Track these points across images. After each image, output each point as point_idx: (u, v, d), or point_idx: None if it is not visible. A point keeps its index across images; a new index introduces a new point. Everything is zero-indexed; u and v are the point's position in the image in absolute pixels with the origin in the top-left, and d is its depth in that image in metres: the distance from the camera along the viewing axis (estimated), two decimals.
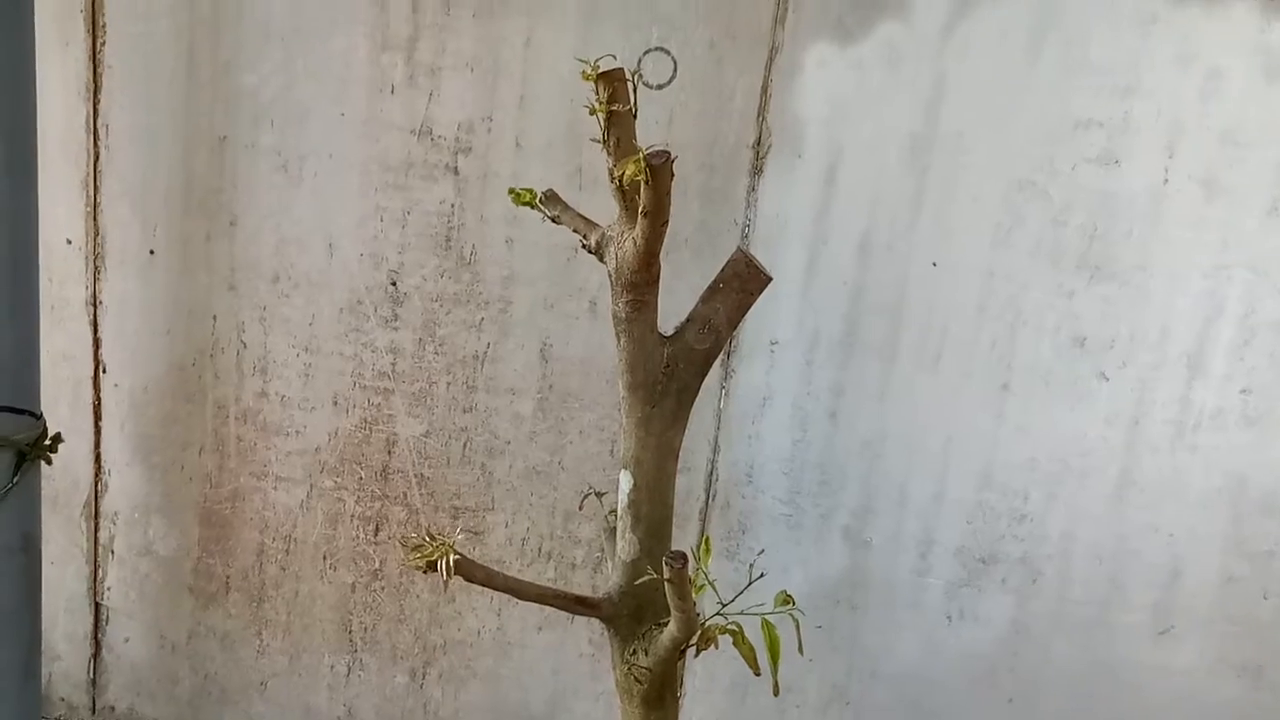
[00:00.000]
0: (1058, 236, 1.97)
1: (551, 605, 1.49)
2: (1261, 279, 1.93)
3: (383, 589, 2.34)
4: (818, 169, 2.04)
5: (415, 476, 2.28)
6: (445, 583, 1.32)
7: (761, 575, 1.40)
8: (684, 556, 1.20)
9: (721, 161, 2.06)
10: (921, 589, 2.15)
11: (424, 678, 2.38)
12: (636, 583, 1.46)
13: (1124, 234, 1.95)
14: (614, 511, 1.77)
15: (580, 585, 2.27)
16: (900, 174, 2.01)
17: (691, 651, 1.44)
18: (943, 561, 2.13)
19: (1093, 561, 2.07)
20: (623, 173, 1.20)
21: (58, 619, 2.53)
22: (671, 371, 1.47)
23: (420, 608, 2.35)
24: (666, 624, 1.50)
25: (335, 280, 2.24)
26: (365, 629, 2.38)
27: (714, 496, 2.20)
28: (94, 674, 2.55)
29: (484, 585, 1.39)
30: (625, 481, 1.51)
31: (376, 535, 2.33)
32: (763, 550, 2.01)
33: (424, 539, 1.33)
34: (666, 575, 1.20)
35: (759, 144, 2.04)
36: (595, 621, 2.29)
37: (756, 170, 2.05)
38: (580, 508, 1.82)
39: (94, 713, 2.56)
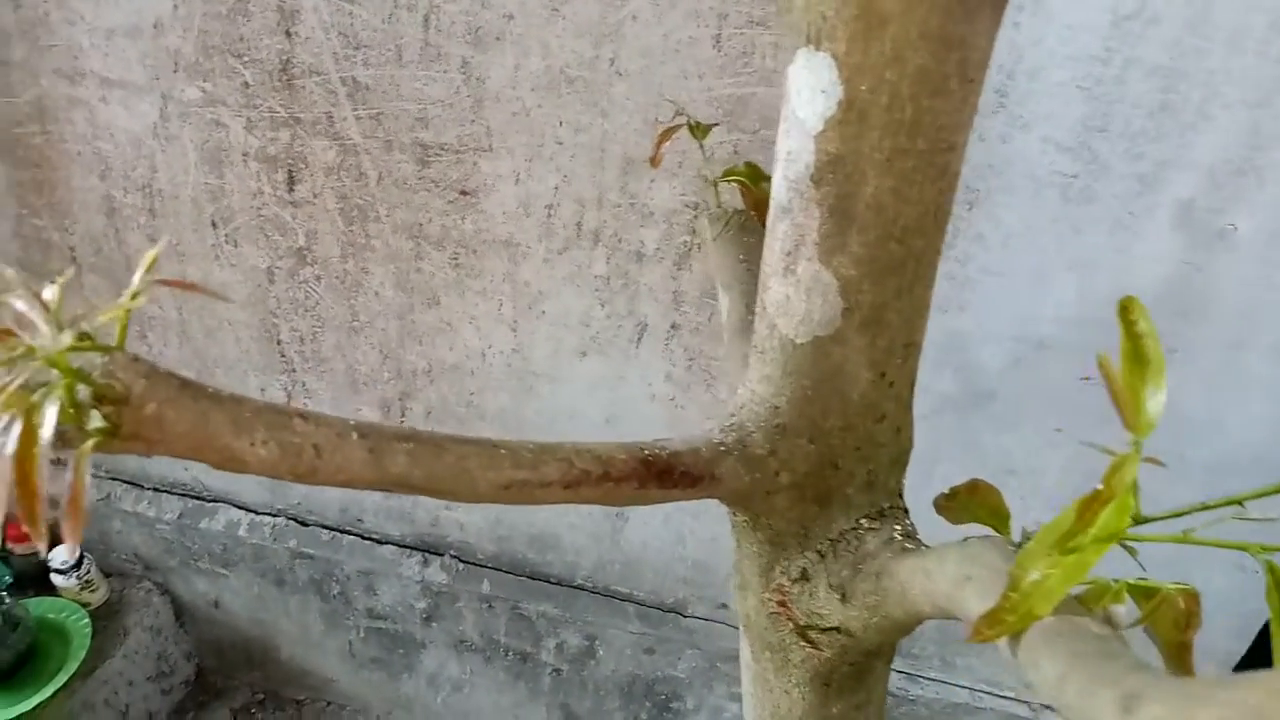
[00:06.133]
0: None
1: (567, 496, 0.48)
2: None
3: (317, 279, 1.39)
4: None
5: (342, 82, 1.21)
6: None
7: None
8: None
9: None
10: None
11: (403, 415, 1.50)
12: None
13: None
14: (743, 171, 0.72)
15: (653, 290, 1.28)
16: None
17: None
18: None
19: None
20: None
21: None
22: None
23: (384, 311, 1.41)
24: (893, 520, 0.53)
25: None
26: (300, 339, 1.46)
27: None
28: None
29: (286, 474, 0.39)
30: (809, 92, 0.43)
31: (292, 190, 1.32)
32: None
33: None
34: None
35: None
36: (676, 346, 1.34)
37: None
38: (655, 156, 0.78)
39: None
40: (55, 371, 0.30)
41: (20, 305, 0.32)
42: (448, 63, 1.16)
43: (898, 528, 0.52)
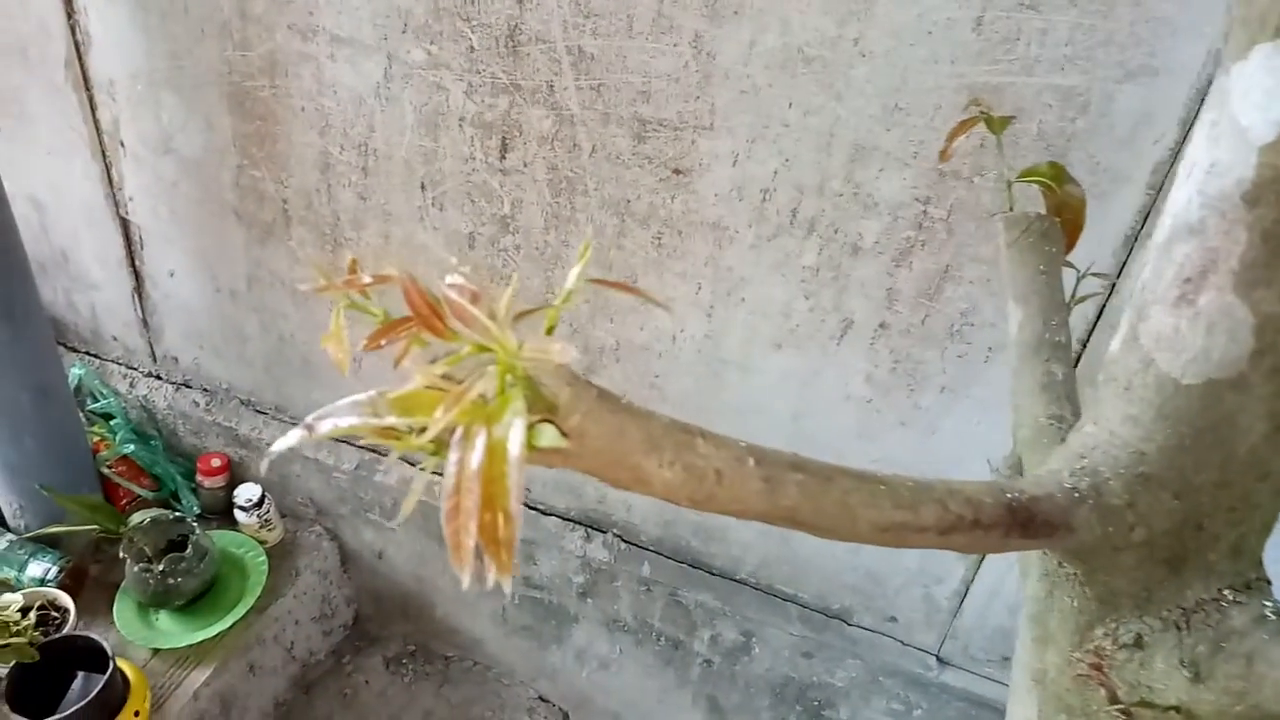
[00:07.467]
0: None
1: (939, 542, 0.43)
2: None
3: (517, 249, 1.39)
4: None
5: (568, 51, 1.19)
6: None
7: None
8: None
9: None
10: None
11: None
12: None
13: None
14: (1045, 170, 0.66)
15: (865, 286, 1.21)
16: None
17: None
18: None
19: None
20: None
21: (78, 232, 1.77)
22: None
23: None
24: (1261, 595, 0.46)
25: None
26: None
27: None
28: (143, 312, 1.83)
29: (706, 506, 0.36)
30: (1262, 96, 0.37)
31: (504, 158, 1.32)
32: None
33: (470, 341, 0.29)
34: None
35: None
36: (882, 347, 1.27)
37: None
38: (946, 150, 0.71)
39: (155, 360, 1.90)
40: (502, 376, 0.27)
41: (459, 297, 0.29)
42: (679, 35, 1.13)
43: (1268, 604, 0.45)
